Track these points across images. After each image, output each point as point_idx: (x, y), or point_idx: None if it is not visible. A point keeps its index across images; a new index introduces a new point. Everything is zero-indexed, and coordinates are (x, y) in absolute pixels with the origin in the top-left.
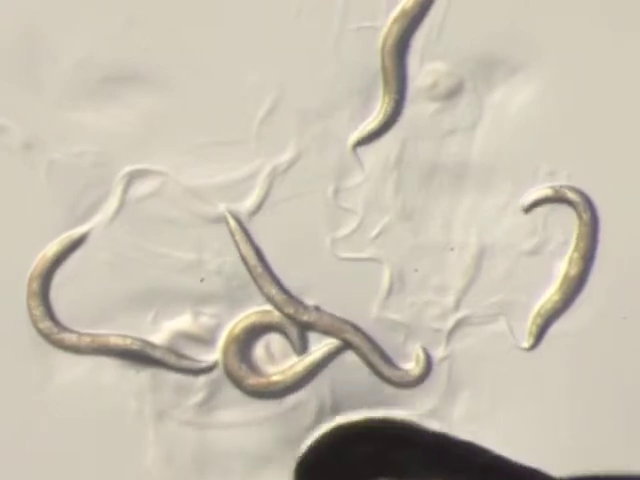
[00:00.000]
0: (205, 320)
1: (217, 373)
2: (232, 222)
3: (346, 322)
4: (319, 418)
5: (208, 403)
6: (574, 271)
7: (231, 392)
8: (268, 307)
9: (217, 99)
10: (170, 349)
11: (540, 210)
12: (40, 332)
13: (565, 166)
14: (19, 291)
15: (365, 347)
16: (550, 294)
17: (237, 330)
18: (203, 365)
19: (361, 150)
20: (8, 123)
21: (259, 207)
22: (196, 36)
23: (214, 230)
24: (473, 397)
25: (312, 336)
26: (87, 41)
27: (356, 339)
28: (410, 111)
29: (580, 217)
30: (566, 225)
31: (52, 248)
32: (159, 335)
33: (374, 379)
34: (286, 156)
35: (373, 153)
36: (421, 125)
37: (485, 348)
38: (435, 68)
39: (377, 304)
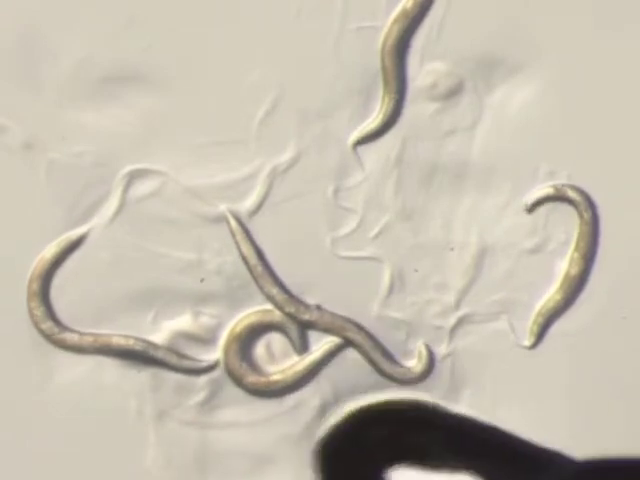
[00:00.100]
0: (205, 320)
1: (218, 373)
2: (233, 222)
3: (348, 320)
4: (320, 417)
5: (209, 403)
6: (575, 270)
7: (232, 392)
8: (269, 306)
9: (217, 99)
10: (172, 349)
11: (541, 209)
12: (42, 333)
13: (565, 166)
14: (19, 291)
15: (367, 345)
16: (552, 293)
17: (238, 329)
18: (204, 365)
19: (361, 150)
20: (8, 123)
21: (259, 207)
22: (196, 36)
23: (214, 230)
24: (475, 395)
25: (313, 335)
26: (87, 41)
27: (358, 337)
28: (410, 111)
29: (581, 216)
30: (567, 224)
31: (51, 249)
32: (159, 335)
33: (376, 377)
34: (286, 156)
35: (373, 153)
36: (421, 125)
37: (487, 346)
38: (435, 68)
39: (378, 303)
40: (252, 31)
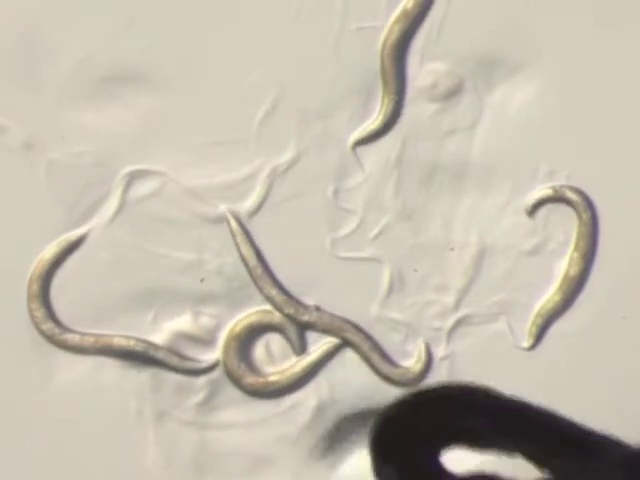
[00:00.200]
0: (205, 320)
1: (217, 373)
2: (233, 223)
3: (346, 321)
4: (318, 417)
5: (208, 403)
6: (574, 271)
7: (231, 392)
8: (269, 307)
9: (217, 99)
10: (173, 350)
11: (540, 210)
12: (43, 334)
13: (565, 166)
14: (19, 292)
15: (365, 346)
16: (551, 294)
17: (238, 328)
18: (205, 365)
19: (361, 150)
20: (8, 123)
21: (259, 207)
22: (196, 36)
23: (214, 230)
24: None
25: (311, 336)
26: (87, 41)
27: (356, 338)
28: (410, 111)
29: (580, 217)
30: (566, 225)
31: (50, 250)
32: (159, 335)
33: (374, 378)
34: (286, 156)
35: (373, 153)
36: (421, 125)
37: (485, 347)
38: (435, 68)
39: (377, 303)
40: (252, 31)
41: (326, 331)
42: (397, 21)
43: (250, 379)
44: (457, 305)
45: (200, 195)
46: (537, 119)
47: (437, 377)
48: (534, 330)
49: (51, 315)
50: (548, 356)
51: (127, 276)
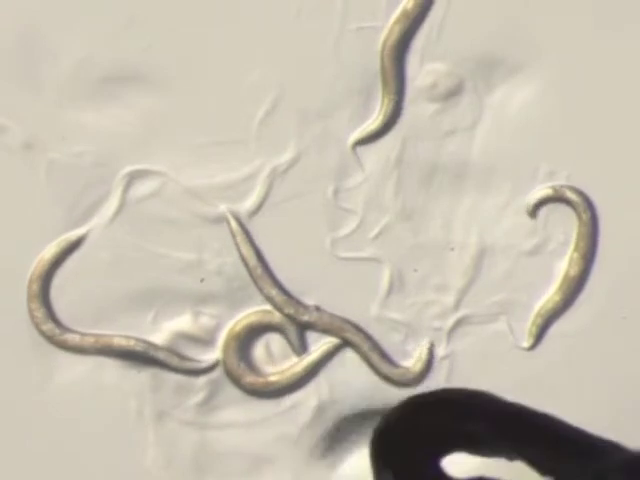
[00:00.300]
0: (205, 320)
1: (217, 373)
2: (233, 223)
3: (346, 321)
4: (318, 417)
5: (208, 403)
6: (574, 271)
7: (231, 392)
8: (269, 307)
9: (217, 99)
10: (173, 351)
11: (540, 210)
12: (43, 334)
13: (565, 166)
14: (19, 292)
15: (365, 346)
16: (551, 294)
17: (238, 328)
18: (205, 365)
19: (361, 150)
20: (8, 123)
21: (259, 207)
22: (196, 36)
23: (214, 230)
24: None
25: (311, 336)
26: (87, 41)
27: (356, 338)
28: (410, 111)
29: (580, 217)
30: (566, 225)
31: (50, 250)
32: (159, 335)
33: (374, 377)
34: (286, 156)
35: (373, 153)
36: (421, 125)
37: (485, 347)
38: (435, 68)
39: (377, 304)
40: (252, 31)
41: (326, 331)
42: (397, 21)
43: (250, 378)
44: (457, 305)
45: (200, 195)
46: (537, 119)
47: (437, 377)
48: (534, 330)
49: (51, 315)
50: (548, 356)
51: (127, 276)
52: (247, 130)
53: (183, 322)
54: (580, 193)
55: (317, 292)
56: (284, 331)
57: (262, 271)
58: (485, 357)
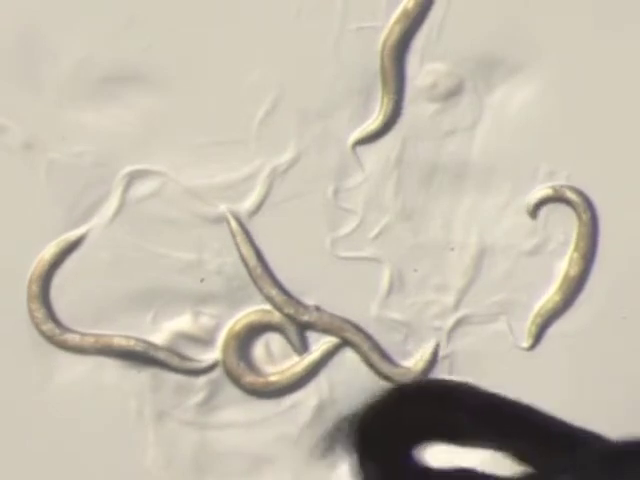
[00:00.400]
0: (205, 320)
1: (217, 373)
2: (233, 223)
3: (346, 321)
4: (319, 417)
5: (208, 403)
6: (574, 271)
7: (231, 392)
8: (268, 307)
9: (217, 99)
10: (173, 351)
11: (540, 210)
12: (43, 334)
13: (565, 166)
14: (19, 292)
15: (365, 346)
16: (551, 294)
17: (238, 327)
18: (205, 365)
19: (361, 150)
20: (8, 123)
21: (259, 207)
22: (196, 36)
23: (214, 230)
24: None
25: (312, 336)
26: (87, 41)
27: (356, 338)
28: (410, 111)
29: (580, 217)
30: (566, 225)
31: (50, 250)
32: (159, 335)
33: (374, 377)
34: (286, 156)
35: (373, 153)
36: (421, 125)
37: (485, 347)
38: (435, 68)
39: (377, 303)
40: (252, 31)
41: (326, 331)
42: (397, 21)
43: (250, 378)
44: (457, 305)
45: (200, 195)
46: (537, 119)
47: (437, 377)
48: (534, 330)
49: (51, 315)
50: (548, 356)
51: (127, 276)
52: (247, 130)
53: (183, 322)
54: (580, 193)
55: (317, 292)
56: (284, 331)
57: (262, 271)
58: (485, 357)
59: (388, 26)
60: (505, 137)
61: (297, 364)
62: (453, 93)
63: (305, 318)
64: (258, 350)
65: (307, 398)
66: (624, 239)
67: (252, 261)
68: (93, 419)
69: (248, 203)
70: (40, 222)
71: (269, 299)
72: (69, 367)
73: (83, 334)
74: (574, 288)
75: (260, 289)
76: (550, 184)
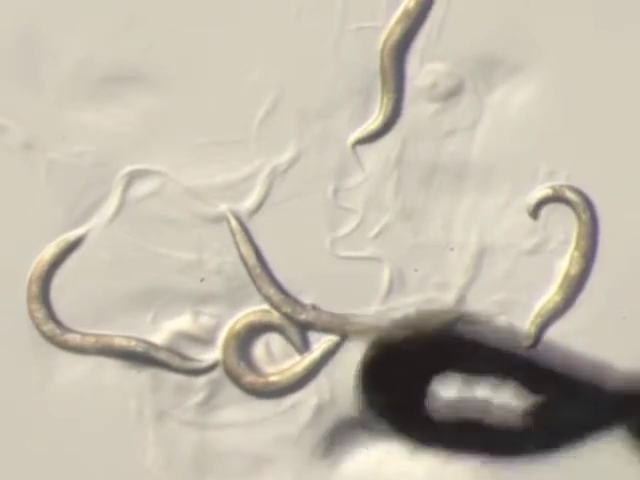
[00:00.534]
0: (205, 320)
1: (217, 373)
2: (234, 222)
3: (344, 316)
4: (319, 417)
5: (208, 403)
6: (574, 270)
7: (231, 392)
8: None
9: (217, 99)
10: (174, 351)
11: (540, 210)
12: (44, 334)
13: (565, 166)
14: (19, 292)
15: (370, 323)
16: (551, 294)
17: (238, 327)
18: (205, 365)
19: (361, 150)
20: (8, 123)
21: (259, 207)
22: (196, 36)
23: (214, 230)
24: None
25: (312, 335)
26: (87, 41)
27: (357, 324)
28: (410, 111)
29: (579, 217)
30: (566, 224)
31: (49, 251)
32: (159, 335)
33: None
34: (286, 156)
35: (373, 153)
36: (421, 125)
37: None
38: (435, 68)
39: (377, 303)
40: (252, 31)
41: (324, 329)
42: (399, 21)
43: (249, 378)
44: (457, 304)
45: (200, 195)
46: (537, 119)
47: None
48: (533, 330)
49: (51, 316)
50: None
51: (127, 276)
52: (247, 130)
53: (183, 322)
54: (579, 193)
55: (317, 291)
56: (285, 330)
57: (261, 270)
58: None
59: (389, 26)
60: (505, 137)
61: (297, 364)
62: (453, 93)
63: (303, 317)
64: (258, 350)
65: (307, 398)
66: (624, 239)
67: (251, 260)
68: (93, 419)
69: (248, 203)
70: (40, 222)
71: (267, 298)
72: (69, 367)
73: (84, 334)
74: (574, 288)
75: (259, 288)
76: (550, 184)
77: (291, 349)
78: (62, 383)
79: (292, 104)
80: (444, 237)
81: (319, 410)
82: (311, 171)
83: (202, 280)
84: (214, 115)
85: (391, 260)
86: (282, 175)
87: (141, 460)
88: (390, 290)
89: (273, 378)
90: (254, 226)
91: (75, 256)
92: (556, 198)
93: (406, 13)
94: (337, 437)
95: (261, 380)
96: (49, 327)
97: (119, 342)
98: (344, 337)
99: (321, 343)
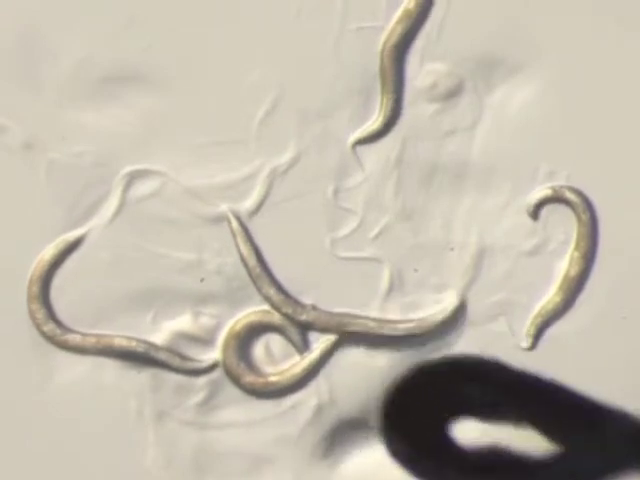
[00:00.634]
0: (205, 320)
1: (217, 373)
2: (234, 223)
3: (344, 315)
4: (319, 417)
5: (208, 403)
6: (574, 270)
7: (231, 392)
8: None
9: (217, 99)
10: (174, 351)
11: (540, 210)
12: (44, 335)
13: (565, 166)
14: (19, 292)
15: (370, 324)
16: (551, 295)
17: (238, 327)
18: (205, 365)
19: (361, 150)
20: (8, 123)
21: (259, 207)
22: (196, 36)
23: (214, 230)
24: None
25: (312, 335)
26: (87, 41)
27: (358, 323)
28: (410, 111)
29: (579, 218)
30: (566, 225)
31: (49, 251)
32: (159, 335)
33: (374, 377)
34: (286, 156)
35: (373, 153)
36: (421, 125)
37: (485, 348)
38: (435, 68)
39: (377, 304)
40: (252, 31)
41: (324, 329)
42: (399, 21)
43: (249, 378)
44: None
45: (200, 195)
46: (537, 119)
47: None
48: (533, 330)
49: (52, 316)
50: (548, 356)
51: (127, 276)
52: (247, 130)
53: (183, 322)
54: (579, 194)
55: (317, 292)
56: (285, 330)
57: (261, 270)
58: None
59: (390, 26)
60: (505, 137)
61: (297, 364)
62: (453, 93)
63: (303, 317)
64: (258, 350)
65: (307, 398)
66: (624, 239)
67: (251, 261)
68: (93, 419)
69: (248, 203)
70: (40, 222)
71: (267, 299)
72: (69, 367)
73: (84, 334)
74: (574, 288)
75: (259, 289)
76: (550, 184)
77: (291, 349)
78: (62, 383)
79: (292, 104)
80: (444, 237)
81: (319, 410)
82: (311, 171)
83: (202, 280)
84: (214, 115)
85: (391, 260)
86: (282, 175)
87: (141, 460)
88: (390, 290)
89: (273, 378)
90: (254, 226)
91: (75, 256)
92: (556, 198)
93: (406, 13)
94: (337, 437)
95: (261, 380)
96: (49, 327)
97: (119, 342)
98: (344, 337)
99: (320, 343)
